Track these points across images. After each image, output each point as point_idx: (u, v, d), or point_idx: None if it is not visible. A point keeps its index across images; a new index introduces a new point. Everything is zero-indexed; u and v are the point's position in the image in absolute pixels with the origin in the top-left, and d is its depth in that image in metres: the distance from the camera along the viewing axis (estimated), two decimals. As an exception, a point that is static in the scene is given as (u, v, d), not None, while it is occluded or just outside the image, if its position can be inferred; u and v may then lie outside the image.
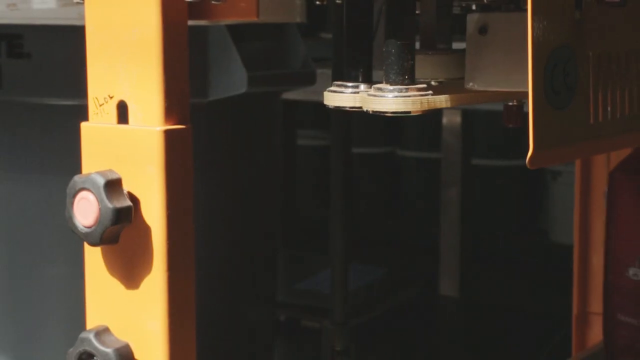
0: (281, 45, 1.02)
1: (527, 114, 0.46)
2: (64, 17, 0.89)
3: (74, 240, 0.93)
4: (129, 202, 0.48)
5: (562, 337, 1.35)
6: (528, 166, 0.39)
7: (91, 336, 0.48)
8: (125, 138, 0.49)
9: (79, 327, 0.51)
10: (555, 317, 1.62)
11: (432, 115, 1.91)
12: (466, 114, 1.90)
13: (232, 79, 0.93)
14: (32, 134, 0.95)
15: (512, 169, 2.08)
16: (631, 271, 0.76)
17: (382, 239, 2.04)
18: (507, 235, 2.06)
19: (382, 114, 0.45)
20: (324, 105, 0.50)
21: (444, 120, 1.92)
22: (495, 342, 1.61)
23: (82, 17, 0.76)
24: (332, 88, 0.48)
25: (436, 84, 0.51)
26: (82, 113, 0.54)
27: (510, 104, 0.52)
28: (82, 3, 0.50)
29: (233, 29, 0.93)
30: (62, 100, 0.91)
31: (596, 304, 0.96)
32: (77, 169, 0.52)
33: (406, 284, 1.70)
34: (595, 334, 0.95)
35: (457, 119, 1.89)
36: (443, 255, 1.89)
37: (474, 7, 0.55)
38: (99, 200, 0.47)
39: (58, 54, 0.90)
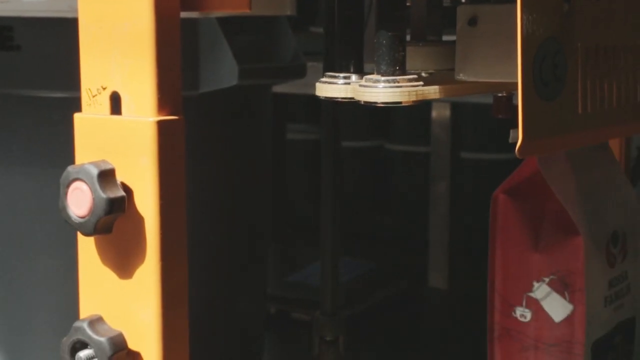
0: (272, 39, 1.02)
1: (516, 105, 0.47)
2: (54, 10, 0.89)
3: (65, 232, 0.94)
4: (122, 192, 0.48)
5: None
6: (517, 156, 0.39)
7: (85, 325, 0.49)
8: (119, 129, 0.49)
9: (70, 320, 0.51)
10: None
11: (421, 109, 1.92)
12: (455, 108, 1.91)
13: (223, 72, 0.93)
14: (22, 126, 0.95)
15: (501, 162, 2.09)
16: (518, 311, 0.64)
17: (371, 233, 2.05)
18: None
19: (373, 105, 0.45)
20: (314, 100, 0.50)
21: (433, 113, 1.93)
22: (483, 333, 1.62)
23: (73, 10, 0.76)
24: (324, 79, 0.48)
25: (426, 75, 0.51)
26: (72, 105, 0.55)
27: (500, 95, 0.52)
28: (75, -5, 0.51)
29: (224, 22, 0.93)
30: (52, 93, 0.91)
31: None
32: (68, 161, 0.52)
33: (395, 277, 1.71)
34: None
35: (447, 112, 1.90)
36: (432, 248, 1.90)
37: (463, 0, 0.55)
38: (93, 191, 0.47)
39: (48, 46, 0.90)
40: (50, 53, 0.90)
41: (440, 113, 1.91)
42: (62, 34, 0.88)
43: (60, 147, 0.92)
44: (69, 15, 0.87)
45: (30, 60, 0.90)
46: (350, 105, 0.49)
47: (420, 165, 2.07)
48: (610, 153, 0.68)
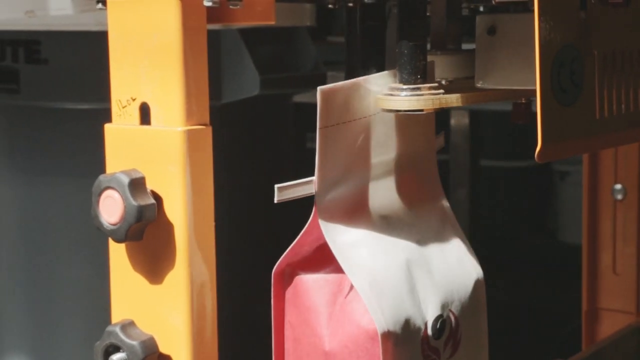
0: (292, 49, 1.04)
1: (535, 112, 0.48)
2: (80, 24, 0.91)
3: (91, 241, 0.95)
4: (152, 200, 0.50)
5: (570, 333, 1.37)
6: (537, 160, 0.40)
7: (117, 329, 0.50)
8: (148, 138, 0.51)
9: (96, 327, 0.53)
10: (562, 314, 1.64)
11: (439, 117, 1.93)
12: (474, 115, 1.91)
13: (245, 82, 0.95)
14: (48, 138, 0.97)
15: (520, 169, 2.09)
16: None
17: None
18: (516, 235, 2.07)
19: (395, 112, 0.46)
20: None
21: (452, 121, 1.93)
22: (504, 338, 1.63)
23: (98, 23, 0.78)
24: (348, 88, 0.49)
25: (446, 83, 0.53)
26: (98, 117, 0.56)
27: (519, 102, 0.53)
28: (105, 9, 0.52)
29: (245, 33, 0.95)
30: (78, 105, 0.93)
31: (605, 300, 0.98)
32: (93, 171, 0.53)
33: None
34: (604, 329, 0.97)
35: (465, 120, 1.91)
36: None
37: (481, 9, 0.57)
38: (124, 199, 0.49)
39: (74, 59, 0.92)
40: (76, 66, 0.92)
41: (459, 121, 1.92)
42: (88, 47, 0.90)
43: (86, 158, 0.93)
44: (95, 28, 0.89)
45: (57, 73, 0.92)
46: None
47: (440, 174, 2.08)
48: (441, 206, 0.54)
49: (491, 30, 0.47)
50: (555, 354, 1.00)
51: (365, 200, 0.49)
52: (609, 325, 0.96)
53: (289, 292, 0.50)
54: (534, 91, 0.43)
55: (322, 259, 0.49)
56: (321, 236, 0.48)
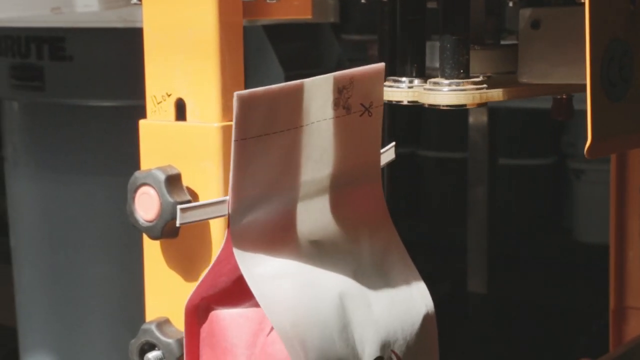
0: (316, 45, 1.03)
1: (576, 108, 0.47)
2: (104, 20, 0.91)
3: (115, 239, 0.94)
4: (188, 197, 0.49)
5: (593, 333, 1.36)
6: (586, 156, 0.40)
7: (153, 327, 0.50)
8: (184, 134, 0.50)
9: (121, 325, 0.52)
10: (579, 313, 1.63)
11: (459, 115, 1.92)
12: (492, 113, 1.91)
13: (270, 79, 0.94)
14: (73, 135, 0.97)
15: (538, 167, 2.08)
16: None
17: (411, 240, 2.05)
18: (532, 234, 2.07)
19: (438, 107, 0.46)
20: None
21: (471, 119, 1.93)
22: (521, 336, 1.62)
23: (123, 20, 0.77)
24: (388, 83, 0.49)
25: (484, 78, 0.52)
26: (122, 114, 0.56)
27: (559, 97, 0.53)
28: (139, 4, 0.52)
29: (270, 30, 0.94)
30: (102, 102, 0.93)
31: (633, 299, 0.97)
32: (117, 167, 0.53)
33: (435, 282, 1.71)
34: (633, 328, 0.96)
35: (484, 118, 1.90)
36: (471, 253, 1.90)
37: (510, 4, 0.56)
38: (160, 195, 0.48)
39: (99, 57, 0.92)
40: (100, 63, 0.92)
41: (477, 118, 1.91)
42: (113, 44, 0.90)
43: (111, 155, 0.93)
44: (120, 25, 0.88)
45: (81, 71, 0.92)
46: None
47: (455, 172, 2.07)
48: (385, 231, 0.46)
49: (535, 24, 0.47)
50: (581, 354, 0.99)
51: (291, 224, 0.43)
52: (637, 324, 0.95)
53: (204, 331, 0.44)
54: (578, 86, 0.42)
55: (242, 292, 0.42)
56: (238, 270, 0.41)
